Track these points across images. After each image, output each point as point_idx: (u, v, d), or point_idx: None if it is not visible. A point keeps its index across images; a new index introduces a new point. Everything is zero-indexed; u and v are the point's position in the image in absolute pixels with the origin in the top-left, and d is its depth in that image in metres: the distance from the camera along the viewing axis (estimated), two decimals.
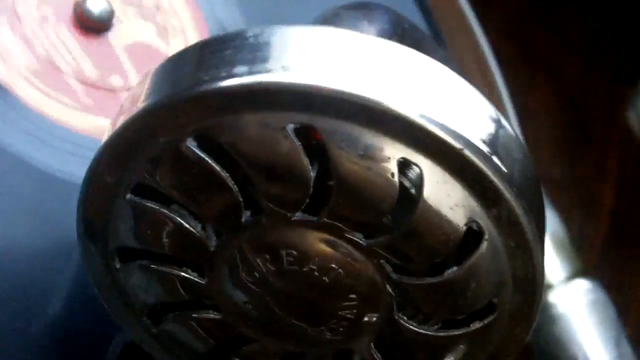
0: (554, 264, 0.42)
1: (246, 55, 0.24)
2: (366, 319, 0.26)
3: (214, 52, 0.24)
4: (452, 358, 0.27)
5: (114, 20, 0.37)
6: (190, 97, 0.23)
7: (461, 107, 0.24)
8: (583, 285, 0.42)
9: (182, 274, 0.26)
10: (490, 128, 0.24)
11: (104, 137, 0.25)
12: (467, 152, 0.23)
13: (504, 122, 0.25)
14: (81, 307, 0.34)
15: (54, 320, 0.34)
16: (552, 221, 0.43)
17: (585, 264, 0.43)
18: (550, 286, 0.42)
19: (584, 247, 0.44)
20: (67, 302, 0.34)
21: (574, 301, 0.42)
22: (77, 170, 0.32)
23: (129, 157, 0.24)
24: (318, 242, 0.25)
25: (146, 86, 0.25)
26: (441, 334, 0.26)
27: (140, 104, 0.24)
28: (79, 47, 0.37)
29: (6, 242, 0.34)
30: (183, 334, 0.28)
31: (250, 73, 0.23)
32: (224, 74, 0.23)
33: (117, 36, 0.37)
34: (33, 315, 0.34)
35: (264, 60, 0.23)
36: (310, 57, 0.23)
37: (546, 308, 0.41)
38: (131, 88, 0.26)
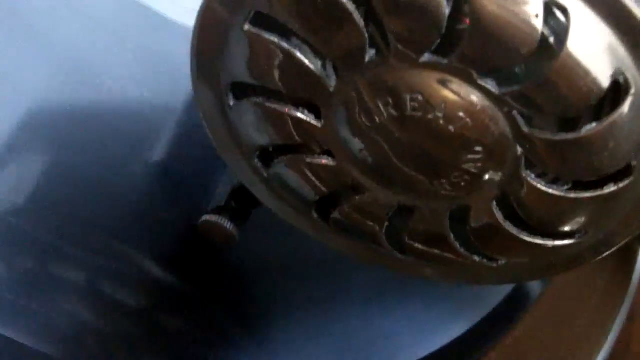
0: None
1: None
2: (490, 175, 0.24)
3: None
4: (578, 221, 0.25)
5: None
6: None
7: None
8: None
9: (298, 114, 0.25)
10: None
11: None
12: None
13: None
14: (187, 150, 0.33)
15: (159, 162, 0.33)
16: None
17: None
18: None
19: None
20: (174, 144, 0.33)
21: None
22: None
23: None
24: (446, 89, 0.23)
25: None
26: (571, 195, 0.24)
27: None
28: None
29: (117, 83, 0.33)
30: (294, 179, 0.27)
31: None
32: None
33: None
34: (139, 156, 0.33)
35: None
36: None
37: None
38: None
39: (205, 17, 0.24)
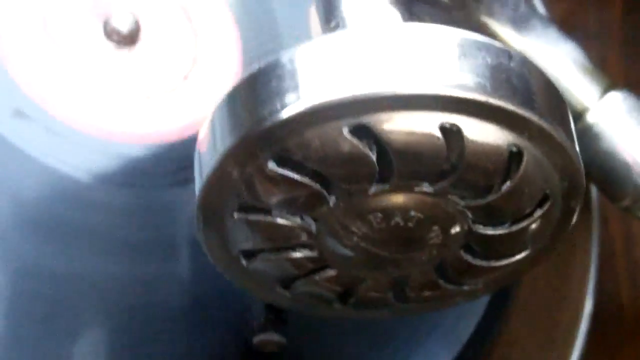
0: (583, 87, 0.45)
1: (289, 82, 0.29)
2: (451, 238, 0.32)
3: (263, 84, 0.29)
4: (526, 240, 0.33)
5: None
6: (259, 134, 0.29)
7: (474, 62, 0.29)
8: (616, 97, 0.45)
9: (298, 254, 0.32)
10: (504, 68, 0.29)
11: (196, 182, 0.31)
12: (491, 100, 0.28)
13: (515, 54, 0.29)
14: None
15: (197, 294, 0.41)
16: (571, 49, 0.46)
17: (611, 80, 0.46)
18: (586, 109, 0.45)
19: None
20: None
21: (612, 113, 0.45)
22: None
23: (226, 190, 0.30)
24: (395, 200, 0.30)
25: (217, 128, 0.30)
26: (513, 228, 0.32)
27: (219, 149, 0.29)
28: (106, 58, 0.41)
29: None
30: (313, 290, 0.34)
31: (299, 98, 0.28)
32: (278, 106, 0.28)
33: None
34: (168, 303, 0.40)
35: (307, 83, 0.28)
36: (342, 68, 0.28)
37: (588, 129, 0.44)
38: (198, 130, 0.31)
39: (202, 215, 0.31)
